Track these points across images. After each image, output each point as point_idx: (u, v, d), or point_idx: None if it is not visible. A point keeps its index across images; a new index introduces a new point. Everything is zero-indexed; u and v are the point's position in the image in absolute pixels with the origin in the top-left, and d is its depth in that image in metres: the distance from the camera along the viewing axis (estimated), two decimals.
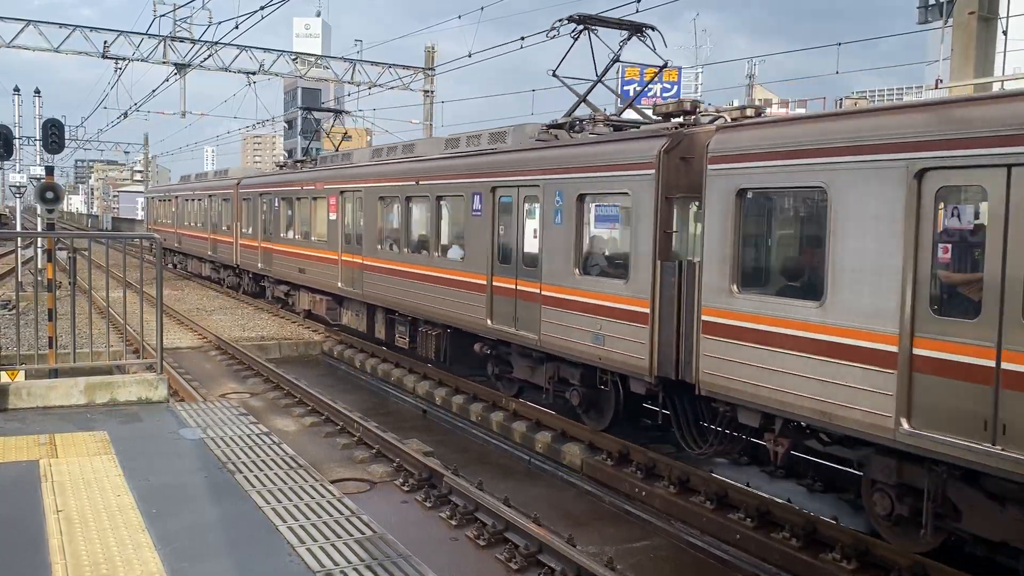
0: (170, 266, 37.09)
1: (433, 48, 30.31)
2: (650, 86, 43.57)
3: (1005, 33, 14.22)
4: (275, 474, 5.77)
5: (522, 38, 19.42)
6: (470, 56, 22.58)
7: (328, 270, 18.79)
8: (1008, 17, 14.46)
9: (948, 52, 15.41)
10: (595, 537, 8.71)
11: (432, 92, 30.22)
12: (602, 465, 10.62)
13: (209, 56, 26.94)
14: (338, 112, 28.04)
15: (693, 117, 10.01)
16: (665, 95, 41.83)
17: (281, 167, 26.35)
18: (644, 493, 9.82)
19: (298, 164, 23.75)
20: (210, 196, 29.65)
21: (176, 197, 35.92)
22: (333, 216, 18.37)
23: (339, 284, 18.14)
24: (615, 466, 10.52)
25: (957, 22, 14.31)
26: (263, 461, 6.04)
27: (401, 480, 10.19)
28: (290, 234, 21.63)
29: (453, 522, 8.90)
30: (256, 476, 5.69)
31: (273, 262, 22.79)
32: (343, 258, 17.95)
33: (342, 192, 17.96)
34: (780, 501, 8.90)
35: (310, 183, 20.15)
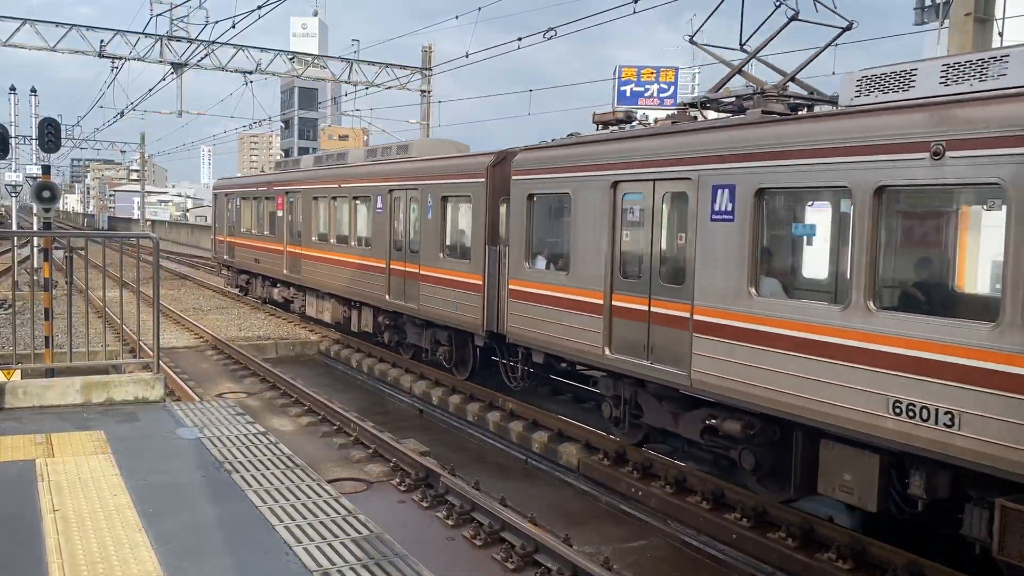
0: (266, 302, 24.30)
1: (430, 48, 30.28)
2: (647, 86, 43.72)
3: (1001, 35, 14.24)
4: (272, 474, 5.76)
5: (519, 39, 19.43)
6: (467, 56, 22.53)
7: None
8: (1004, 18, 14.48)
9: (944, 54, 15.43)
10: (592, 537, 8.73)
11: (429, 92, 30.21)
12: (599, 465, 10.64)
13: (206, 55, 26.89)
14: None
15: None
16: (662, 95, 41.86)
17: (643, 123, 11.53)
18: (641, 493, 9.85)
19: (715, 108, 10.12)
20: (391, 191, 16.16)
21: (286, 193, 21.34)
22: None
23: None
24: (612, 466, 10.54)
25: (953, 23, 14.34)
26: (260, 461, 6.03)
27: (398, 480, 10.20)
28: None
29: (450, 522, 8.92)
30: (253, 475, 5.69)
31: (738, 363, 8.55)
32: None
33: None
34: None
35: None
